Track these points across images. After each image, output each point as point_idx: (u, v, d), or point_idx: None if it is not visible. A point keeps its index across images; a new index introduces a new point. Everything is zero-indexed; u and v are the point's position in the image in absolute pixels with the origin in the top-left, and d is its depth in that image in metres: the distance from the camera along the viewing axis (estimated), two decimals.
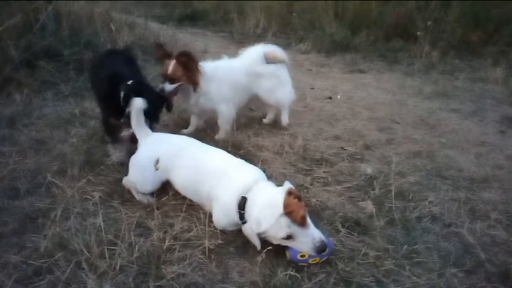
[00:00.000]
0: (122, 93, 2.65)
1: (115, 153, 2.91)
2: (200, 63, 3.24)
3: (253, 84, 3.55)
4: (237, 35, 8.54)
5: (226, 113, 3.43)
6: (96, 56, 4.04)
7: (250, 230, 2.00)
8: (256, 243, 2.00)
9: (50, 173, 2.65)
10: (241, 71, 3.48)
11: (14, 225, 2.22)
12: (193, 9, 10.82)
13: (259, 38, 8.11)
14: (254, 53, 3.56)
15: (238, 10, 9.20)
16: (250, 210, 2.03)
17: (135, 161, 2.52)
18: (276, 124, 3.85)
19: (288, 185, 2.05)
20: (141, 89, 2.69)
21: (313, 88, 5.15)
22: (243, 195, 2.09)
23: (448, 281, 1.97)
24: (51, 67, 4.47)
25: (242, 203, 2.08)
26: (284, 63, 3.65)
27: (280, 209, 1.91)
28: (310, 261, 1.99)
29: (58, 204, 2.33)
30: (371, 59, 6.79)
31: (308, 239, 1.94)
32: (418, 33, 6.79)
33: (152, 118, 2.76)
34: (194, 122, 3.57)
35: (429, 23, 6.82)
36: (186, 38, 7.57)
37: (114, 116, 2.81)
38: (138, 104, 2.52)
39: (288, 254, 2.02)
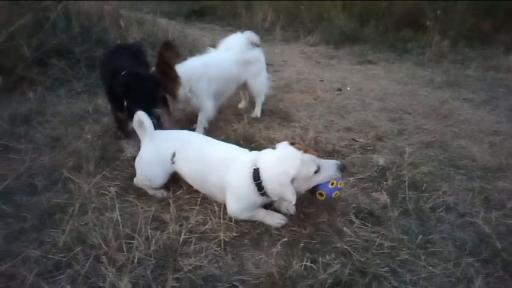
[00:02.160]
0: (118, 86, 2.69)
1: (128, 149, 2.94)
2: (187, 60, 3.26)
3: (242, 73, 3.60)
4: (245, 29, 8.48)
5: (210, 110, 3.39)
6: (105, 51, 4.05)
7: (280, 185, 2.08)
8: (291, 195, 2.06)
9: (66, 169, 2.69)
10: (231, 61, 3.49)
11: (33, 220, 2.27)
12: (202, 4, 10.81)
13: (267, 32, 8.10)
14: (239, 41, 3.59)
15: (246, 4, 9.17)
16: (268, 174, 2.13)
17: (140, 159, 2.54)
18: (286, 117, 3.85)
19: (284, 142, 2.23)
20: (134, 79, 2.69)
21: (322, 80, 5.13)
22: (254, 167, 2.18)
23: (464, 271, 1.97)
24: (63, 65, 4.52)
25: (256, 174, 2.17)
26: (259, 47, 3.76)
27: (297, 152, 2.11)
28: (339, 185, 2.16)
29: (75, 200, 2.38)
30: (380, 50, 6.73)
31: (330, 163, 2.16)
32: (428, 23, 6.69)
33: (150, 104, 2.74)
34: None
35: (438, 12, 6.72)
36: (194, 33, 7.57)
37: (120, 109, 2.83)
38: (138, 116, 2.50)
39: (322, 193, 2.16)
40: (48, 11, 4.92)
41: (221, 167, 2.31)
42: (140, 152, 2.56)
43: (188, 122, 3.61)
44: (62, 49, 4.76)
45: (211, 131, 3.40)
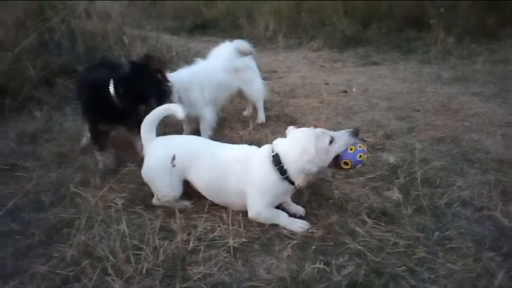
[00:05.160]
0: (112, 89, 2.70)
1: (102, 160, 2.93)
2: (176, 71, 3.24)
3: (234, 81, 3.58)
4: (248, 40, 8.51)
5: (209, 118, 3.38)
6: (83, 69, 3.79)
7: (305, 162, 2.12)
8: (317, 169, 2.15)
9: (73, 184, 2.67)
10: (220, 70, 3.48)
11: (40, 236, 2.25)
12: (204, 18, 10.87)
13: (270, 40, 8.12)
14: (227, 50, 3.60)
15: (248, 15, 9.20)
16: (290, 156, 2.17)
17: (148, 171, 2.43)
18: (293, 121, 3.81)
19: (290, 127, 2.32)
20: (126, 81, 2.73)
21: (327, 83, 5.08)
22: (273, 154, 2.22)
23: (485, 266, 1.90)
24: (68, 83, 4.54)
25: (276, 159, 2.20)
26: (252, 55, 3.74)
27: (309, 129, 2.20)
28: (359, 148, 2.16)
29: (82, 214, 2.34)
30: (384, 51, 6.66)
31: (341, 132, 2.20)
32: (431, 21, 6.63)
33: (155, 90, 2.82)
34: (187, 128, 3.54)
35: (442, 10, 6.66)
36: (198, 47, 7.60)
37: (104, 121, 2.81)
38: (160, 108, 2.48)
39: (347, 162, 2.15)
40: (52, 31, 4.99)
41: (239, 167, 2.28)
42: (146, 164, 2.45)
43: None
44: (68, 68, 4.79)
45: (217, 138, 3.35)
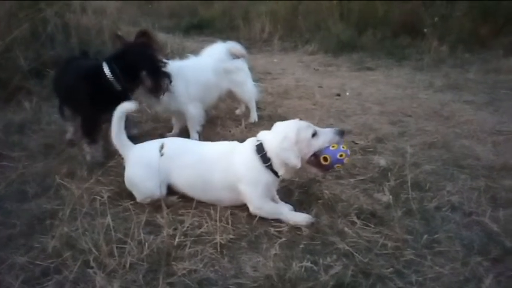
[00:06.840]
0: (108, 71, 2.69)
1: (91, 153, 2.86)
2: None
3: (223, 82, 3.53)
4: (243, 41, 8.49)
5: (195, 114, 3.30)
6: (58, 65, 3.71)
7: (283, 150, 2.13)
8: (295, 158, 2.12)
9: (59, 176, 2.60)
10: (209, 69, 3.43)
11: (21, 227, 2.18)
12: (200, 18, 10.84)
13: (265, 43, 8.13)
14: (218, 51, 3.55)
15: (244, 16, 9.20)
16: (272, 143, 2.19)
17: (132, 178, 2.41)
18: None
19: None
20: (120, 59, 2.73)
21: (321, 86, 5.08)
22: (257, 143, 2.24)
23: (473, 270, 1.88)
24: None
25: (260, 147, 2.22)
26: (244, 58, 3.71)
27: (294, 120, 2.25)
28: (342, 148, 2.16)
29: (66, 205, 2.29)
30: (379, 57, 6.70)
31: (327, 130, 2.23)
32: (425, 29, 6.70)
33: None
34: (177, 123, 3.50)
35: (436, 19, 6.74)
36: (193, 46, 7.57)
37: (102, 109, 2.70)
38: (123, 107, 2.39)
39: (326, 157, 2.15)
40: (46, 23, 4.91)
41: (224, 160, 2.27)
42: (129, 170, 2.41)
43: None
44: (60, 60, 4.72)
45: (209, 136, 3.34)
